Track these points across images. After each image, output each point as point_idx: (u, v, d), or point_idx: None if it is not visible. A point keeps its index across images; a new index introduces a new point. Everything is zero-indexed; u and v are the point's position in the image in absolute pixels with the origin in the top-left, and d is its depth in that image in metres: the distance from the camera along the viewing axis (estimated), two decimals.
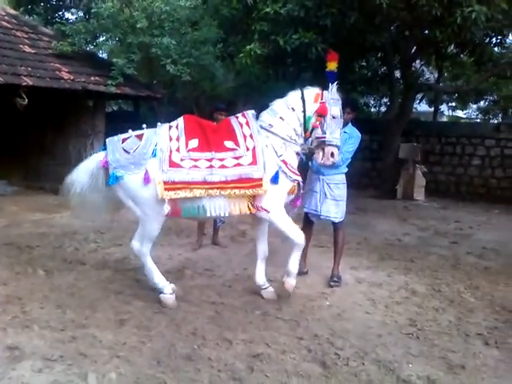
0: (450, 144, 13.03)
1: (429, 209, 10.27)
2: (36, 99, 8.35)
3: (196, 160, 4.03)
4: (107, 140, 4.35)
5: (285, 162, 4.17)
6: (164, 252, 5.70)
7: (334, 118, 4.18)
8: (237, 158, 4.06)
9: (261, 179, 4.03)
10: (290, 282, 4.31)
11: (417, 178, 11.35)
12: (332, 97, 4.20)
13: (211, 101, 11.62)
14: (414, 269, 5.60)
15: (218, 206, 4.08)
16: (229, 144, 4.11)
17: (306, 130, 4.25)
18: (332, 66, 4.36)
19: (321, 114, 4.17)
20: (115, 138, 4.27)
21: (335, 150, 4.19)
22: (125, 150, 4.13)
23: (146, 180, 4.03)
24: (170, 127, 4.21)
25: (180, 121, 4.26)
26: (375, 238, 7.15)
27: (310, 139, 4.30)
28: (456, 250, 6.61)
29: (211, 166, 4.01)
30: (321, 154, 4.22)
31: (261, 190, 4.03)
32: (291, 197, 4.30)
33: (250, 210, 4.13)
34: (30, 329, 3.65)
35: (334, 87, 4.21)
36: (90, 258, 5.59)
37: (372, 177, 13.04)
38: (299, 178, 4.24)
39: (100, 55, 10.24)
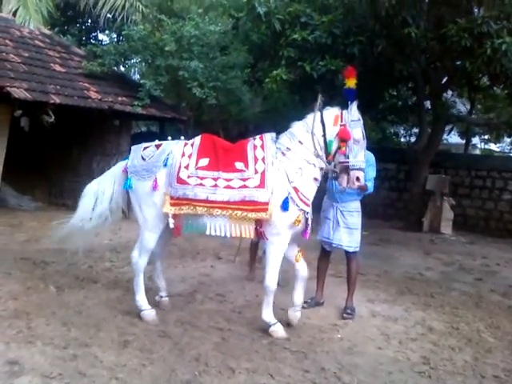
0: (480, 177, 12.66)
1: (455, 243, 9.93)
2: (63, 117, 8.53)
3: (202, 178, 4.03)
4: (132, 147, 4.54)
5: (296, 190, 4.00)
6: (177, 275, 5.65)
7: (356, 140, 3.99)
8: (244, 180, 3.98)
9: (267, 203, 3.92)
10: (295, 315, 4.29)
11: (444, 211, 11.04)
12: (352, 118, 4.00)
13: (238, 124, 11.75)
14: (433, 305, 5.36)
15: (218, 226, 4.04)
16: (239, 165, 4.04)
17: (327, 153, 4.08)
18: (350, 82, 4.14)
19: (343, 138, 3.99)
20: (140, 145, 4.44)
21: (360, 174, 4.00)
22: (142, 158, 4.29)
23: (155, 187, 4.15)
24: (186, 144, 4.27)
25: (197, 139, 4.29)
26: (396, 270, 6.91)
27: (333, 163, 4.12)
28: (480, 287, 6.33)
29: (216, 186, 3.99)
30: (345, 178, 4.03)
31: (265, 215, 3.91)
32: (297, 228, 4.07)
33: (251, 234, 4.03)
34: (32, 344, 3.61)
35: (353, 106, 4.03)
36: (103, 276, 5.57)
37: (398, 207, 12.76)
38: (307, 209, 4.03)
39: (130, 76, 10.42)
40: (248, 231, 4.02)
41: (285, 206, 3.94)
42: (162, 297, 4.72)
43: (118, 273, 5.75)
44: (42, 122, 7.96)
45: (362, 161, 4.02)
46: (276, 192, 3.96)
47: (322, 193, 4.90)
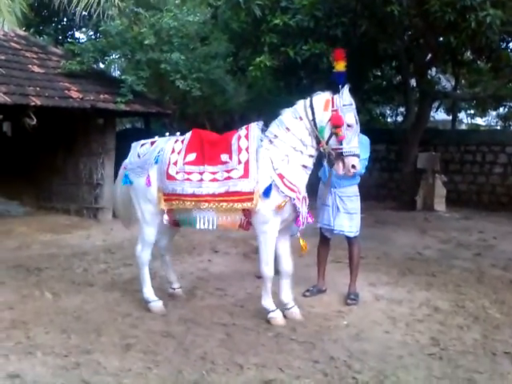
0: (470, 152, 12.69)
1: (450, 220, 9.92)
2: (46, 119, 8.35)
3: (189, 173, 4.10)
4: (132, 144, 4.68)
5: (280, 176, 3.93)
6: (175, 271, 5.51)
7: (349, 126, 3.87)
8: (228, 171, 3.98)
9: (251, 193, 3.89)
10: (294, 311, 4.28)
11: (437, 188, 11.02)
12: (344, 102, 3.87)
13: (223, 115, 11.59)
14: (435, 284, 5.31)
15: (207, 219, 4.09)
16: (224, 157, 4.04)
17: (319, 140, 3.97)
18: (340, 66, 4.01)
19: (336, 125, 3.86)
20: (138, 142, 4.60)
21: (355, 160, 3.89)
22: (138, 155, 4.46)
23: (148, 183, 4.29)
24: (177, 140, 4.34)
25: (187, 135, 4.35)
26: (395, 252, 6.86)
27: (324, 150, 3.99)
28: (480, 263, 6.30)
29: (201, 180, 4.05)
30: (341, 165, 3.92)
31: (251, 204, 3.89)
32: (285, 215, 4.01)
33: (240, 225, 4.07)
34: (33, 355, 3.50)
35: (345, 90, 3.89)
36: (99, 279, 5.46)
37: (390, 188, 12.75)
38: (292, 195, 3.93)
39: (110, 73, 10.21)
40: (236, 222, 4.08)
41: (266, 192, 3.90)
42: (174, 289, 4.83)
43: (114, 274, 5.65)
44: (24, 126, 7.77)
45: (356, 147, 3.91)
46: (261, 180, 3.92)
47: (318, 179, 4.82)
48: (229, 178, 3.96)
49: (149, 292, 4.50)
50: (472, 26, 7.39)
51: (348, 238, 4.76)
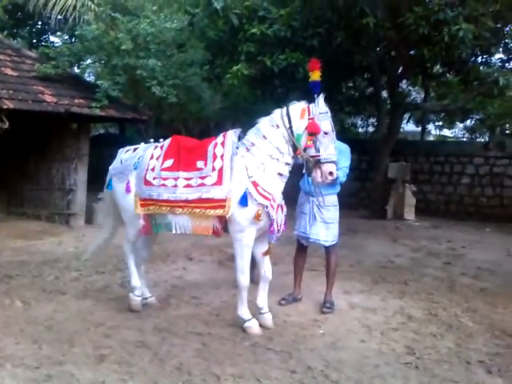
0: (439, 163, 13.03)
1: (420, 228, 10.14)
2: (19, 123, 8.15)
3: (165, 179, 4.14)
4: (119, 150, 4.75)
5: (255, 184, 3.94)
6: (149, 279, 5.43)
7: (326, 133, 3.92)
8: (202, 178, 4.02)
9: (224, 200, 3.91)
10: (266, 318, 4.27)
11: (407, 198, 11.25)
12: (320, 111, 3.94)
13: (199, 122, 11.55)
14: (408, 292, 5.40)
15: (182, 224, 4.15)
16: (200, 164, 4.07)
17: (296, 148, 4.00)
18: (315, 75, 4.07)
19: (312, 132, 3.91)
20: (124, 148, 4.69)
21: (333, 167, 3.93)
22: (121, 161, 4.55)
23: (127, 190, 4.36)
24: (156, 146, 4.40)
25: (167, 141, 4.40)
26: (367, 259, 6.96)
27: (301, 157, 4.02)
28: (450, 271, 6.44)
29: (175, 186, 4.09)
30: (318, 172, 3.95)
31: (223, 212, 3.91)
32: (260, 224, 4.01)
33: (212, 231, 4.07)
34: (2, 367, 3.38)
35: (320, 99, 3.96)
36: (71, 287, 5.33)
37: (361, 197, 12.93)
38: (266, 202, 3.92)
39: (85, 78, 10.06)
40: (209, 228, 4.09)
41: (243, 201, 3.92)
42: (146, 298, 4.78)
43: (87, 282, 5.52)
44: None
45: (333, 153, 3.96)
46: (234, 188, 3.94)
47: (298, 188, 4.84)
48: (202, 184, 3.99)
49: (136, 283, 4.62)
50: (445, 39, 7.60)
51: (325, 247, 4.78)
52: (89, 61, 9.83)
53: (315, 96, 4.00)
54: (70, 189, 9.05)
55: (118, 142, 11.35)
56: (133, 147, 4.62)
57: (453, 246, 8.22)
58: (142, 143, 4.67)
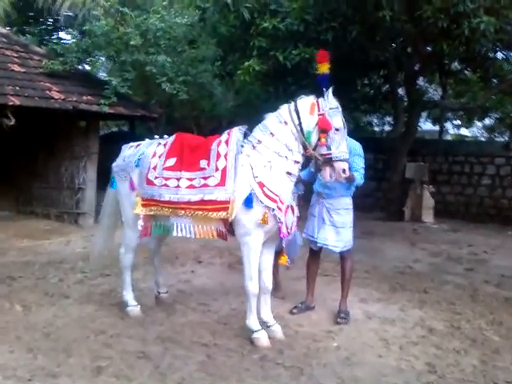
0: (458, 163, 12.57)
1: (438, 231, 9.76)
2: (27, 120, 8.02)
3: (167, 179, 3.95)
4: (122, 146, 4.60)
5: (261, 185, 3.69)
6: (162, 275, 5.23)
7: (337, 130, 3.68)
8: (205, 179, 3.79)
9: (227, 202, 3.66)
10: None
11: (425, 199, 10.87)
12: (330, 106, 3.69)
13: (211, 120, 11.32)
14: (428, 301, 5.08)
15: (184, 227, 3.92)
16: (203, 163, 3.85)
17: (306, 146, 3.76)
18: (324, 68, 3.81)
19: (324, 129, 3.66)
20: (127, 145, 4.53)
21: (345, 165, 3.70)
22: (123, 158, 4.40)
23: (131, 187, 4.22)
24: (159, 144, 4.21)
25: (170, 138, 4.17)
26: (384, 265, 6.63)
27: (311, 155, 3.80)
28: (472, 278, 6.10)
29: (178, 186, 3.88)
30: (328, 170, 3.71)
31: (227, 214, 3.67)
32: (268, 227, 3.74)
33: (217, 234, 3.83)
34: None
35: (329, 93, 3.71)
36: (75, 290, 5.15)
37: (377, 198, 12.52)
38: (272, 205, 3.67)
39: (94, 74, 9.86)
40: (212, 232, 3.85)
41: (248, 203, 3.67)
42: (160, 293, 4.80)
43: (91, 285, 5.33)
44: (1, 126, 7.42)
45: (345, 151, 3.72)
46: (238, 189, 3.69)
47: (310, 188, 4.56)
48: (205, 185, 3.78)
49: (128, 295, 4.50)
50: (465, 33, 7.24)
51: (340, 252, 4.49)
52: (98, 57, 9.60)
53: (324, 90, 3.74)
54: (79, 187, 8.90)
55: (129, 139, 11.20)
56: (136, 143, 4.45)
57: (474, 250, 7.85)
58: (147, 139, 4.46)
